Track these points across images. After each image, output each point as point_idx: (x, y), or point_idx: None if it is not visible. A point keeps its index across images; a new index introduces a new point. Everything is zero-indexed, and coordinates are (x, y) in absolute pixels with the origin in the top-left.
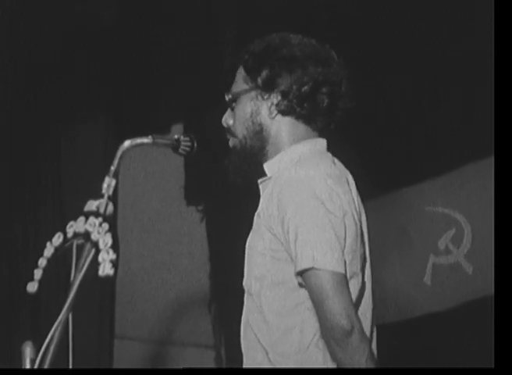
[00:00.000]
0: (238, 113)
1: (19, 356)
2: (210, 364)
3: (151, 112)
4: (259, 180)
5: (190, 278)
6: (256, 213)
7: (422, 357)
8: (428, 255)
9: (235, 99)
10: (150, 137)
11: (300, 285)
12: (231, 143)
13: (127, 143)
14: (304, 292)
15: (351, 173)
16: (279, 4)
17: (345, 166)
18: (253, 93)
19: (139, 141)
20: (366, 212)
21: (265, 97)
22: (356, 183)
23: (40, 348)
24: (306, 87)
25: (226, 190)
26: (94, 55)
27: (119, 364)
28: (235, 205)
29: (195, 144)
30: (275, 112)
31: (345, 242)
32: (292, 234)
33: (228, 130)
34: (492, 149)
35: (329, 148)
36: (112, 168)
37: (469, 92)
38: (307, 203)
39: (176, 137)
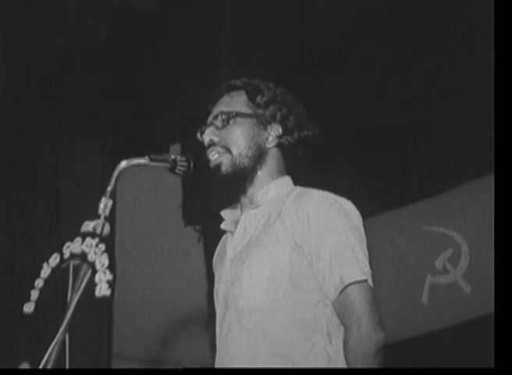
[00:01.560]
0: (235, 132)
1: None
2: None
3: (148, 132)
4: (250, 206)
5: (188, 298)
6: (243, 236)
7: None
8: (426, 274)
9: (233, 118)
10: (146, 157)
11: (320, 301)
12: (219, 159)
13: (124, 163)
14: (323, 308)
15: (349, 191)
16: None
17: (342, 185)
18: (254, 119)
19: (135, 161)
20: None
21: (267, 127)
22: (354, 202)
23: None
24: (306, 132)
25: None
26: (91, 75)
27: None
28: None
29: (192, 164)
30: (276, 141)
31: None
32: (334, 250)
33: (212, 145)
34: (488, 168)
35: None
36: (109, 188)
37: (467, 110)
38: (340, 219)
39: (172, 157)
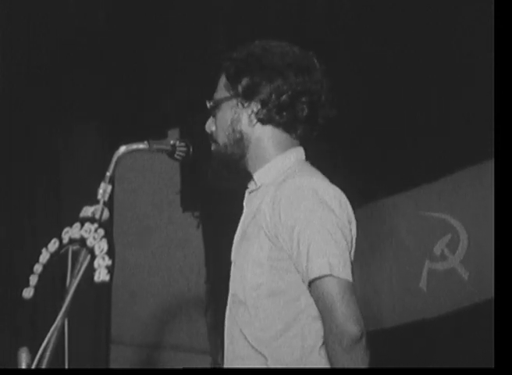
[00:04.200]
0: (219, 120)
1: (16, 362)
2: None
3: (147, 117)
4: (248, 190)
5: (186, 283)
6: (245, 221)
7: (417, 363)
8: (424, 260)
9: (216, 106)
10: (145, 142)
11: (303, 292)
12: (212, 148)
13: (123, 149)
14: (304, 301)
15: (346, 178)
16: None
17: (339, 171)
18: (233, 101)
19: (134, 146)
20: (361, 218)
21: (245, 105)
22: (350, 190)
23: (36, 354)
24: (285, 97)
25: (222, 195)
26: (89, 60)
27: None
28: (230, 210)
29: (191, 150)
30: (255, 120)
31: (351, 250)
32: (304, 242)
33: (210, 137)
34: (487, 154)
35: (307, 156)
36: (108, 174)
37: (467, 94)
38: (318, 211)
39: (171, 142)
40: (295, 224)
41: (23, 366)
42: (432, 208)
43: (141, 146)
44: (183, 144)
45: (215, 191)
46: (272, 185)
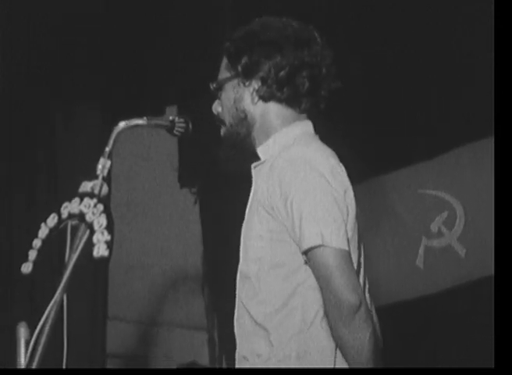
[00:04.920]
0: (223, 101)
1: (14, 336)
2: (203, 346)
3: (145, 93)
4: (253, 165)
5: (183, 260)
6: (250, 197)
7: (415, 340)
8: (421, 237)
9: (220, 87)
10: (144, 118)
11: (303, 264)
12: (222, 131)
13: (122, 124)
14: (304, 272)
15: (342, 155)
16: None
17: (336, 148)
18: (235, 80)
19: (134, 122)
20: (358, 195)
21: (246, 83)
22: (347, 166)
23: (35, 329)
24: (283, 72)
25: (220, 172)
26: (88, 38)
27: (112, 345)
28: (229, 187)
29: (190, 126)
30: (257, 98)
31: (347, 218)
32: (296, 212)
33: (217, 118)
34: (484, 132)
35: (316, 130)
36: (107, 149)
37: (466, 71)
38: (310, 180)
39: (170, 118)
40: (288, 194)
41: (22, 341)
42: (429, 186)
43: (140, 122)
44: (182, 120)
45: (213, 168)
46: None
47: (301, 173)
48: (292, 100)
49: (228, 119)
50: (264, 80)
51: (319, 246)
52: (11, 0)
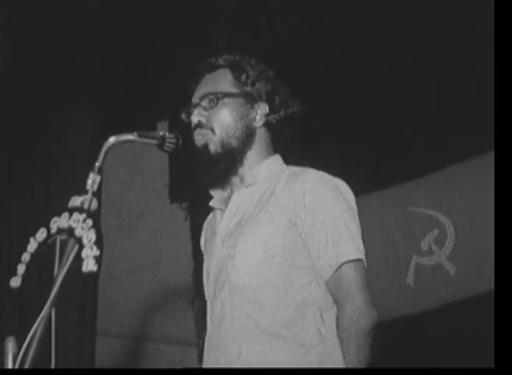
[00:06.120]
0: (223, 113)
1: (2, 351)
2: (193, 362)
3: (137, 108)
4: (244, 184)
5: (173, 275)
6: (235, 215)
7: (404, 358)
8: (411, 255)
9: (221, 98)
10: (135, 133)
11: (314, 279)
12: (203, 140)
13: (112, 139)
14: (314, 287)
15: (336, 171)
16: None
17: (328, 165)
18: (241, 99)
19: (124, 137)
20: None
21: (254, 105)
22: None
23: (23, 344)
24: (292, 109)
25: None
26: (83, 53)
27: (100, 360)
28: None
29: (180, 141)
30: (263, 120)
31: None
32: (326, 231)
33: (199, 127)
34: (475, 151)
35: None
36: (97, 164)
37: (459, 91)
38: (338, 202)
39: (161, 133)
40: (320, 212)
41: (10, 356)
42: (419, 204)
43: (131, 137)
44: (172, 135)
45: (206, 184)
46: (275, 178)
47: (326, 191)
48: (285, 128)
49: (226, 131)
50: (275, 109)
51: (357, 260)
52: (11, 0)
